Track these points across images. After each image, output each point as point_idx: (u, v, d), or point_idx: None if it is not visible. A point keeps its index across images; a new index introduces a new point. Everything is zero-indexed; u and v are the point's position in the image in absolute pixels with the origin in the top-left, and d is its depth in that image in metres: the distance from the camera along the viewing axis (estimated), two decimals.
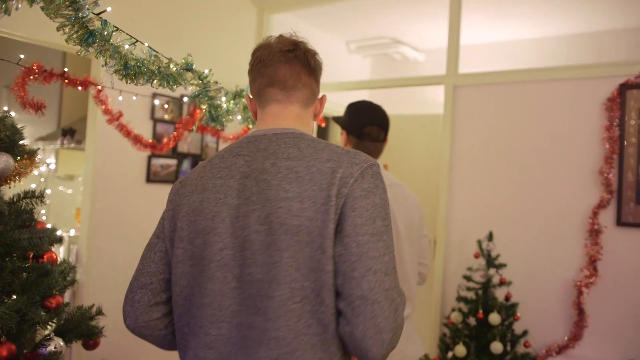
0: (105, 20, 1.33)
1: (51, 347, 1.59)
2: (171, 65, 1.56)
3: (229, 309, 1.04)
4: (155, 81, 1.49)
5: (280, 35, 1.20)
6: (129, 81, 1.44)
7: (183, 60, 1.63)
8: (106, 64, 1.38)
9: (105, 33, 1.31)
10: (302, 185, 1.01)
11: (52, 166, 4.68)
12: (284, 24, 4.20)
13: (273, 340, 0.99)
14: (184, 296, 1.11)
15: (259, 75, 1.17)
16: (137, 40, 1.42)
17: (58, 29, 1.28)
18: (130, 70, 1.39)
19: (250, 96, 1.23)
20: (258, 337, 1.00)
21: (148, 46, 1.49)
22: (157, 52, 1.53)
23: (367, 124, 2.04)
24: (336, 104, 4.54)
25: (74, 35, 1.26)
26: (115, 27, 1.36)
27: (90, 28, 1.27)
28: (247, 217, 1.04)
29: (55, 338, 1.62)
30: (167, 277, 1.17)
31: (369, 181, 1.04)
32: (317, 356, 1.01)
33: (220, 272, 1.05)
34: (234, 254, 1.04)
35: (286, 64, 1.15)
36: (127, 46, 1.40)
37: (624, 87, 2.77)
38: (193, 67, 1.67)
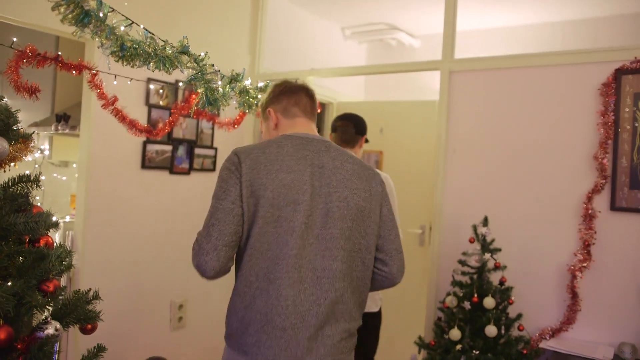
0: (101, 1, 1.31)
1: (49, 331, 1.59)
2: (167, 48, 1.54)
3: (307, 258, 1.47)
4: (151, 64, 1.48)
5: (294, 82, 1.73)
6: (125, 63, 1.43)
7: (179, 43, 1.62)
8: (102, 45, 1.37)
9: (101, 14, 1.30)
10: (363, 182, 1.59)
11: (47, 152, 4.64)
12: (279, 10, 4.17)
13: (346, 277, 1.52)
14: (262, 250, 1.47)
15: (286, 97, 1.68)
16: (132, 22, 1.41)
17: (53, 9, 1.27)
18: (127, 52, 1.38)
19: (273, 111, 1.69)
20: (334, 275, 1.49)
21: (144, 28, 1.48)
22: (152, 34, 1.51)
23: (336, 120, 2.82)
24: (331, 89, 4.53)
25: (69, 16, 1.25)
26: (111, 7, 1.34)
27: (86, 8, 1.26)
28: (329, 195, 1.52)
29: (53, 322, 1.62)
30: (240, 235, 1.49)
31: (385, 182, 1.70)
32: (360, 284, 1.58)
33: (305, 231, 1.47)
34: (315, 219, 1.49)
35: (307, 97, 1.70)
36: (122, 28, 1.38)
37: (620, 72, 2.77)
38: (189, 50, 1.66)
